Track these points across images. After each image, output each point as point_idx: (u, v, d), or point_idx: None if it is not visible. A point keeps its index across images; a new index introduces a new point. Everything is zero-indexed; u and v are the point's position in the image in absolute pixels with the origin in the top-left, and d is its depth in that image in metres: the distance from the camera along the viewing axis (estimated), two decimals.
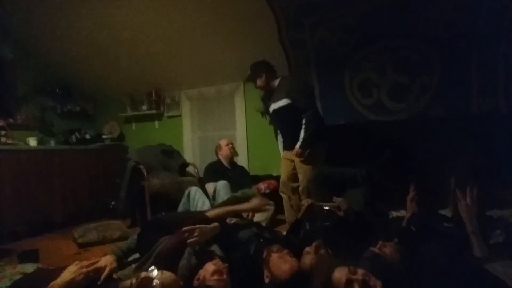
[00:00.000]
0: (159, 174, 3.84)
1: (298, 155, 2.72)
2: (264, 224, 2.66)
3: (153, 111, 4.62)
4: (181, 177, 4.00)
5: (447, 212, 2.02)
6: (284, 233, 2.28)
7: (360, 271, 1.20)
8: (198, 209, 2.69)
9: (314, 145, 2.71)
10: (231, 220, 2.15)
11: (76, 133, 4.49)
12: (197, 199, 2.80)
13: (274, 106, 2.89)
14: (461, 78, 2.90)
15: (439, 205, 2.22)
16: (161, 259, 1.58)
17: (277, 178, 3.22)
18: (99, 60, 4.25)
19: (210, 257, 1.59)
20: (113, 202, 4.03)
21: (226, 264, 1.49)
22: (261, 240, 1.87)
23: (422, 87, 3.04)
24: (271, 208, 3.11)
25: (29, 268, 2.06)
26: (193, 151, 4.56)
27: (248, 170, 3.93)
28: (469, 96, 2.90)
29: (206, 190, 3.13)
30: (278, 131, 3.15)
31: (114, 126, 4.89)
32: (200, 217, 1.90)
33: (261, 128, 4.06)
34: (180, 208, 2.85)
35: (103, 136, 4.67)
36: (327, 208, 2.15)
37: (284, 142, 3.02)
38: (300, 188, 2.83)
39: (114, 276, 1.61)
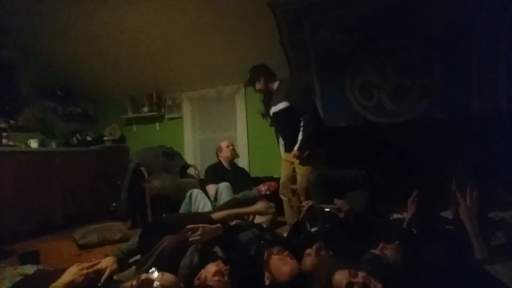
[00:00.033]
0: (160, 175, 3.83)
1: (297, 157, 2.72)
2: (265, 226, 2.66)
3: (154, 113, 4.63)
4: (182, 179, 3.99)
5: (448, 214, 2.01)
6: (285, 234, 2.28)
7: (361, 274, 1.20)
8: (199, 210, 2.69)
9: (312, 147, 2.70)
10: (232, 222, 2.15)
11: (77, 135, 4.50)
12: (198, 200, 2.79)
13: (274, 109, 2.88)
14: (461, 79, 2.90)
15: (440, 207, 2.21)
16: (163, 258, 1.58)
17: (278, 180, 3.22)
18: (99, 60, 4.26)
19: (213, 258, 1.59)
20: (113, 204, 4.03)
21: (228, 266, 1.48)
22: (262, 241, 1.87)
23: (422, 88, 3.04)
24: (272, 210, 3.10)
25: (30, 269, 2.06)
26: (194, 153, 4.56)
27: (248, 171, 3.92)
28: (469, 97, 2.90)
29: (206, 192, 3.13)
30: (279, 134, 3.15)
31: (115, 128, 4.90)
32: (204, 219, 1.90)
33: (261, 129, 4.06)
34: (182, 210, 2.84)
35: (104, 138, 4.68)
36: (327, 210, 2.15)
37: (284, 145, 3.01)
38: (297, 188, 2.82)
39: (115, 277, 1.61)
